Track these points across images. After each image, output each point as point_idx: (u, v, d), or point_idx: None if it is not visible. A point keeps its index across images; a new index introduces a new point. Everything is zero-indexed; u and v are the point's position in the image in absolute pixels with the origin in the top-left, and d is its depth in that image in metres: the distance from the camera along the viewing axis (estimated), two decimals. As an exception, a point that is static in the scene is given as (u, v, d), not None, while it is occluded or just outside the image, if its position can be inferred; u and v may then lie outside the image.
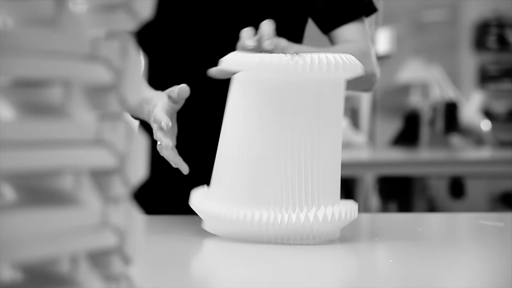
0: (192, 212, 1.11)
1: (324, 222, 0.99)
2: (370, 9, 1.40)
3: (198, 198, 1.06)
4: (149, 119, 1.10)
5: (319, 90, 1.01)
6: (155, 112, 1.07)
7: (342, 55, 1.00)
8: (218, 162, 1.05)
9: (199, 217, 1.07)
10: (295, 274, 0.88)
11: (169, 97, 1.10)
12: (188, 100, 1.21)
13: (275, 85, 1.00)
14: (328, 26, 1.37)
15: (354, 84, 1.34)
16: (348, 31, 1.36)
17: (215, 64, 1.11)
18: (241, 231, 1.00)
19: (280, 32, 1.29)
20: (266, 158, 0.99)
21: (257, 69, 0.99)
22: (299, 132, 0.99)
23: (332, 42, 1.38)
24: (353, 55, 1.03)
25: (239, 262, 0.95)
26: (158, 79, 1.29)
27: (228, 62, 1.03)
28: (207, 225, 1.05)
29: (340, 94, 1.05)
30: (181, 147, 1.29)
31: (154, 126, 1.07)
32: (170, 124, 1.05)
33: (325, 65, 0.98)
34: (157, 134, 1.06)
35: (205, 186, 1.09)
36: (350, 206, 1.04)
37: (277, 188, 0.98)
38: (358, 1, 1.38)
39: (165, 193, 1.18)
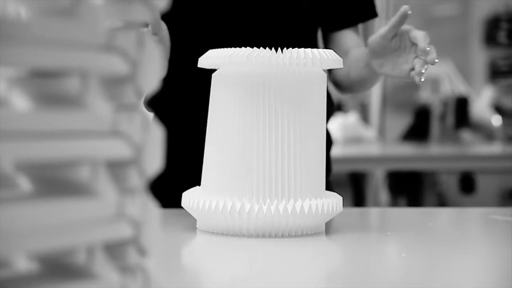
0: None
1: (302, 215, 1.00)
2: (372, 14, 1.46)
3: (188, 192, 1.07)
4: None
5: (299, 83, 1.02)
6: None
7: (322, 50, 1.04)
8: (205, 156, 1.07)
9: None
10: (294, 267, 0.88)
11: None
12: (198, 92, 1.21)
13: (255, 78, 1.02)
14: (331, 27, 1.40)
15: (360, 83, 1.36)
16: (348, 35, 1.40)
17: None
18: (216, 222, 1.02)
19: (293, 35, 1.31)
20: (246, 150, 1.01)
21: (237, 62, 1.01)
22: (280, 124, 1.01)
23: (328, 42, 1.41)
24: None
25: (222, 256, 0.95)
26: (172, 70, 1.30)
27: (208, 58, 1.05)
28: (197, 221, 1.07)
29: (322, 87, 1.07)
30: (192, 140, 1.29)
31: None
32: None
33: (302, 59, 1.00)
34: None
35: None
36: (334, 200, 1.05)
37: (256, 179, 1.00)
38: (363, 5, 1.43)
39: (179, 186, 1.18)
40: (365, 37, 1.43)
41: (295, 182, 1.01)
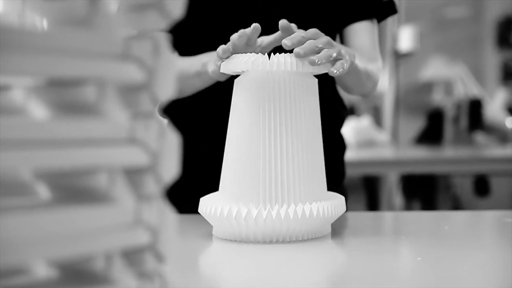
0: None
1: (303, 219, 1.01)
2: (389, 10, 1.42)
3: (205, 198, 1.08)
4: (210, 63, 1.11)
5: (293, 88, 1.03)
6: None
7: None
8: (223, 161, 1.09)
9: None
10: (307, 272, 0.88)
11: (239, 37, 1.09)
12: (214, 97, 1.21)
13: (253, 82, 1.03)
14: (342, 22, 1.38)
15: (357, 87, 1.34)
16: (359, 30, 1.37)
17: None
18: (227, 229, 1.03)
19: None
20: (248, 156, 1.02)
21: (243, 68, 1.03)
22: (279, 130, 1.02)
23: (342, 39, 1.39)
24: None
25: (235, 262, 0.96)
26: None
27: (231, 63, 1.05)
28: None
29: (313, 91, 1.07)
30: (209, 146, 1.29)
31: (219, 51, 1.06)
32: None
33: (289, 63, 1.01)
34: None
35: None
36: (336, 202, 1.05)
37: (257, 185, 1.01)
38: (375, 1, 1.40)
39: (196, 192, 1.19)
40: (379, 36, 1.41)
41: (297, 187, 1.02)
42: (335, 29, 1.40)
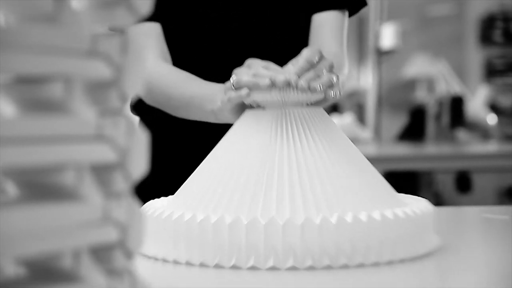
0: None
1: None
2: (358, 3, 1.39)
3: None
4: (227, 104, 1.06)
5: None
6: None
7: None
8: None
9: None
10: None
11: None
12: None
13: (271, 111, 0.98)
14: (310, 9, 1.36)
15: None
16: (328, 16, 1.34)
17: (230, 59, 1.12)
18: None
19: (288, 27, 1.30)
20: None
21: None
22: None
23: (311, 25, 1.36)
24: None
25: None
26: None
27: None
28: None
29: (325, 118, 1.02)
30: (178, 144, 1.29)
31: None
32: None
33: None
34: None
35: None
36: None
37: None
38: None
39: (165, 189, 1.18)
40: (360, 30, 1.40)
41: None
42: (302, 18, 1.36)
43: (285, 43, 1.36)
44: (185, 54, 1.33)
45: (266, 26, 1.35)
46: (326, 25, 1.35)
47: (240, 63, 1.09)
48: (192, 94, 1.19)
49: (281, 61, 1.13)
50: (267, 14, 1.35)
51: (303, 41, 1.37)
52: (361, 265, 0.85)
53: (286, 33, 1.36)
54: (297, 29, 1.37)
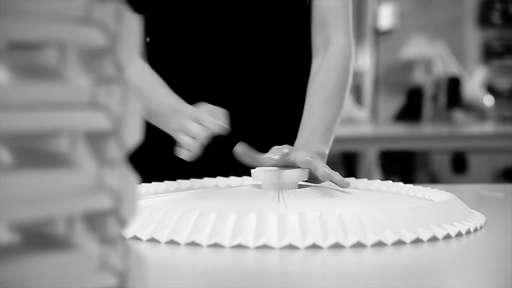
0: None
1: None
2: None
3: None
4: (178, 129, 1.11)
5: None
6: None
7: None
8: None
9: None
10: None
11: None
12: (189, 85, 1.21)
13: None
14: None
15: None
16: (331, 2, 1.34)
17: (217, 47, 1.13)
18: None
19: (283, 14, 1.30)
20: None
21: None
22: None
23: (313, 13, 1.36)
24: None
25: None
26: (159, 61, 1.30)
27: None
28: None
29: None
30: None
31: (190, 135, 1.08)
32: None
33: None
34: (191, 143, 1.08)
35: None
36: None
37: None
38: None
39: (159, 158, 1.19)
40: (358, 10, 1.38)
41: None
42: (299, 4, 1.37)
43: (282, 32, 1.35)
44: (171, 50, 1.32)
45: (261, 17, 1.33)
46: (331, 15, 1.34)
47: (234, 56, 1.11)
48: (149, 102, 1.21)
49: (275, 54, 1.14)
50: (260, 9, 1.33)
51: (300, 29, 1.36)
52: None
53: (282, 21, 1.35)
54: (295, 15, 1.36)
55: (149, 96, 1.21)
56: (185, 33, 1.31)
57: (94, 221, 0.48)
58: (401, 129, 3.76)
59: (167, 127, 1.15)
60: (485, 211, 1.10)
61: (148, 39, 1.34)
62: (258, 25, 1.33)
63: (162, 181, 1.12)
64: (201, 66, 1.30)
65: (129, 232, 0.87)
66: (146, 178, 1.16)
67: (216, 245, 0.84)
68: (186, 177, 1.15)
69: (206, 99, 1.19)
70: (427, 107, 4.12)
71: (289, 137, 1.22)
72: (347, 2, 1.36)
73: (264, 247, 0.83)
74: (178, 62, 1.31)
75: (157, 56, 1.32)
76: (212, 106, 1.12)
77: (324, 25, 1.34)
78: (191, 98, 1.21)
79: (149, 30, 1.33)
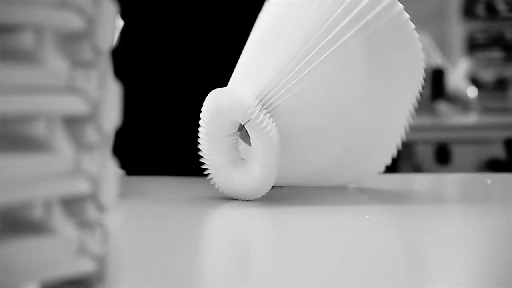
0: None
1: None
2: None
3: None
4: None
5: None
6: None
7: None
8: None
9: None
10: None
11: None
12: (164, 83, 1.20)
13: None
14: None
15: None
16: None
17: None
18: None
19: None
20: None
21: None
22: None
23: None
24: None
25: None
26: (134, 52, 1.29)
27: None
28: None
29: None
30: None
31: None
32: None
33: None
34: None
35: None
36: None
37: None
38: None
39: (140, 144, 1.19)
40: None
41: None
42: None
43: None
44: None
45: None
46: None
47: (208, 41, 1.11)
48: None
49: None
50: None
51: None
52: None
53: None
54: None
55: None
56: (159, 17, 1.30)
57: (72, 206, 0.48)
58: (385, 120, 3.77)
59: None
60: (472, 197, 1.11)
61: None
62: (234, 13, 1.32)
63: (142, 167, 1.11)
64: (175, 49, 1.29)
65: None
66: (126, 163, 1.15)
67: None
68: (167, 162, 1.14)
69: (179, 85, 1.18)
70: (411, 99, 4.13)
71: None
72: None
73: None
74: (152, 46, 1.30)
75: (130, 39, 1.31)
76: None
77: None
78: (163, 82, 1.20)
79: (123, 13, 1.31)
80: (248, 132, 0.98)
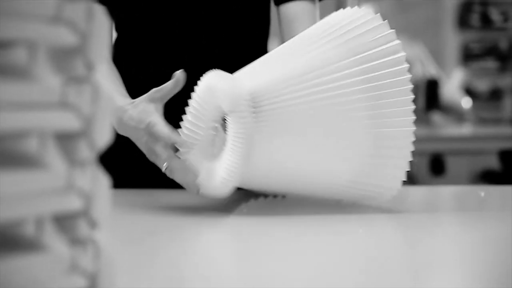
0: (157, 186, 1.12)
1: None
2: None
3: None
4: (142, 137, 1.08)
5: None
6: (159, 130, 1.05)
7: None
8: None
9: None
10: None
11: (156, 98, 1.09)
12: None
13: None
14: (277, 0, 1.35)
15: None
16: (298, 8, 1.33)
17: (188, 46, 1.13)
18: None
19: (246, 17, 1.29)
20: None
21: None
22: None
23: (279, 18, 1.35)
24: None
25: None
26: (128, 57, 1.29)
27: None
28: None
29: None
30: None
31: (159, 145, 1.06)
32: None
33: None
34: (165, 154, 1.05)
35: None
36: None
37: None
38: None
39: (131, 160, 1.17)
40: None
41: None
42: (262, 9, 1.36)
43: (243, 34, 1.34)
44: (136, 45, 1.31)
45: (224, 17, 1.32)
46: (296, 21, 1.33)
47: (199, 51, 1.10)
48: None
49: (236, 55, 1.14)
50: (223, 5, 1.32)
51: (262, 32, 1.36)
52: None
53: (244, 24, 1.34)
54: (256, 20, 1.35)
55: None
56: (152, 27, 1.29)
57: (64, 223, 0.48)
58: (379, 131, 3.77)
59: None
60: (467, 209, 1.11)
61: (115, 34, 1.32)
62: (223, 24, 1.31)
63: (133, 183, 1.10)
64: (167, 60, 1.28)
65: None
66: (117, 179, 1.14)
67: None
68: (158, 178, 1.14)
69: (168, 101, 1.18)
70: (406, 109, 4.13)
71: None
72: (314, 7, 1.35)
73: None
74: (145, 56, 1.29)
75: (123, 50, 1.30)
76: (149, 98, 1.08)
77: (291, 30, 1.32)
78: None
79: (116, 24, 1.31)
80: (228, 124, 0.99)
